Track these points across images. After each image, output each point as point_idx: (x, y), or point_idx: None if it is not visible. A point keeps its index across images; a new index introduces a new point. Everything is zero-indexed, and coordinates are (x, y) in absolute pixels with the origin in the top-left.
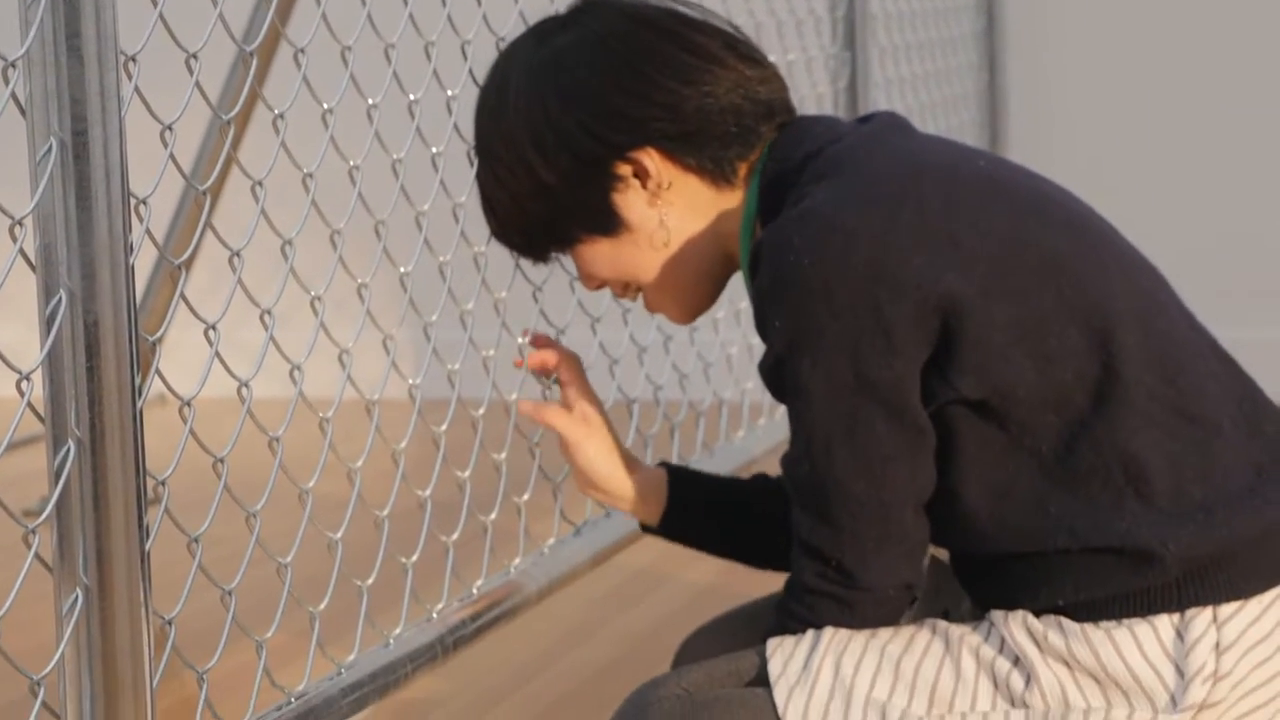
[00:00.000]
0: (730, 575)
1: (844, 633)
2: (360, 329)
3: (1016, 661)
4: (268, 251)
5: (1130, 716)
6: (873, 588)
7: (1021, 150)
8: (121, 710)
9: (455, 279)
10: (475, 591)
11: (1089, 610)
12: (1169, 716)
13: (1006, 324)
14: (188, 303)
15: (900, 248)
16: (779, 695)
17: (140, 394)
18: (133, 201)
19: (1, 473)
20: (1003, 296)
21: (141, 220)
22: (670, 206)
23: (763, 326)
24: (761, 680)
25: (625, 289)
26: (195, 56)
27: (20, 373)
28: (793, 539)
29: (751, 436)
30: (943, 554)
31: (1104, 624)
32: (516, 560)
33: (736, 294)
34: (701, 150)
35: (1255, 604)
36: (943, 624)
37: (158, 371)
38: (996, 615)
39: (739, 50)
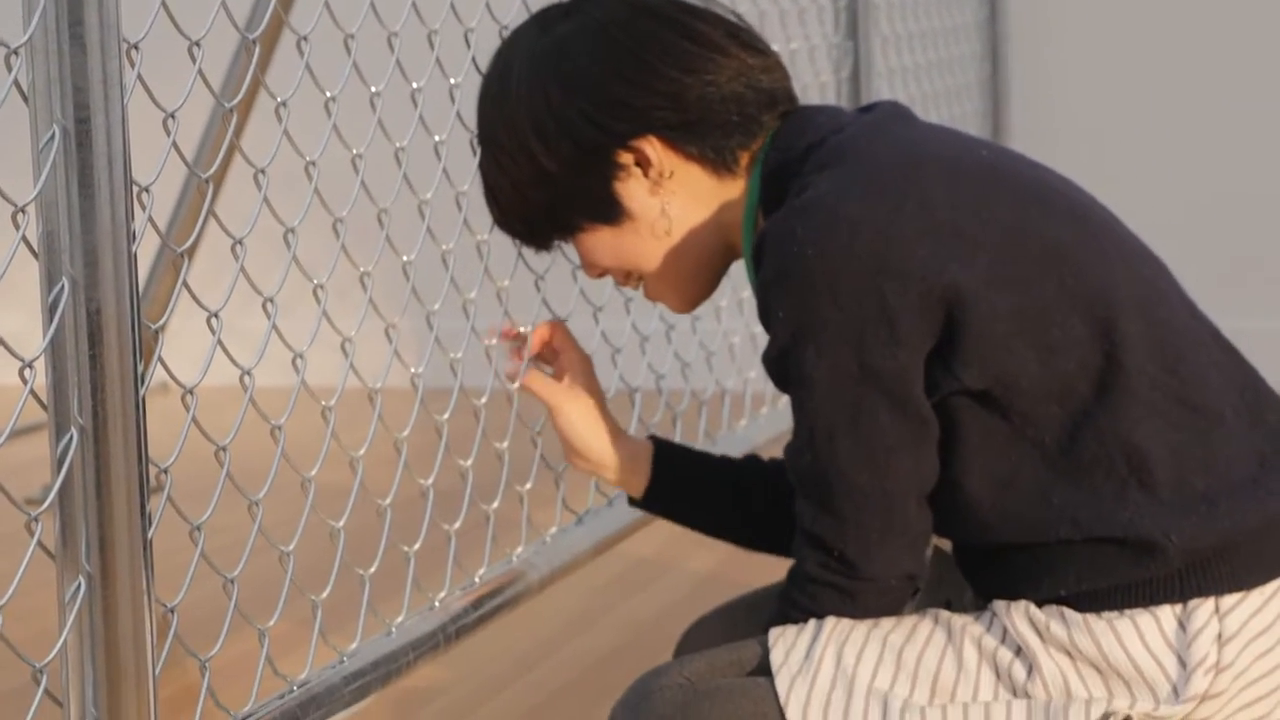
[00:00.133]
0: (733, 564)
1: (846, 622)
2: (363, 317)
3: (1019, 652)
4: (270, 240)
5: (1132, 707)
6: (875, 578)
7: (1023, 140)
8: (124, 698)
9: (458, 268)
10: (477, 580)
11: (1091, 601)
12: (1171, 707)
13: (1009, 314)
14: (190, 291)
15: (904, 238)
16: (781, 685)
17: (143, 382)
18: (135, 189)
19: (3, 460)
20: (1005, 286)
21: (144, 208)
22: (672, 195)
23: (766, 317)
24: (763, 670)
25: (627, 277)
26: (198, 44)
27: (23, 360)
28: (795, 528)
29: (754, 425)
30: (945, 544)
31: (1106, 614)
32: (519, 549)
33: (739, 282)
34: (703, 139)
35: (1258, 595)
36: (945, 614)
37: (160, 359)
38: (999, 605)
39: (741, 39)
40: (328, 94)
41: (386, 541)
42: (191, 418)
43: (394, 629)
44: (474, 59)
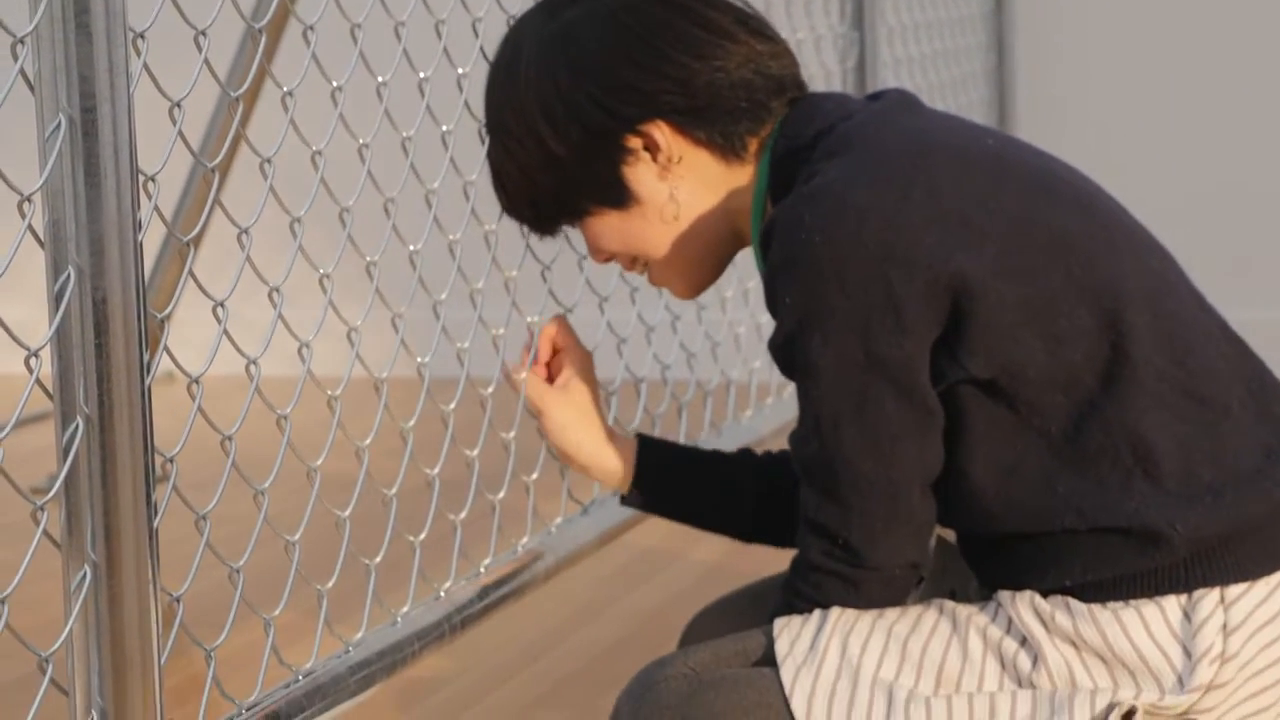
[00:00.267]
0: (737, 555)
1: (851, 612)
2: (369, 307)
3: (1024, 642)
4: (276, 229)
5: (1137, 697)
6: (879, 567)
7: (1030, 129)
8: (129, 687)
9: (465, 257)
10: (483, 570)
11: (1096, 591)
12: (1176, 697)
13: (1016, 304)
14: (196, 280)
15: (911, 227)
16: (786, 675)
17: (149, 371)
18: (141, 178)
19: (10, 449)
20: (1012, 276)
21: (150, 197)
22: (680, 180)
23: (773, 303)
24: (768, 660)
25: (633, 262)
26: (204, 33)
27: (29, 349)
28: (791, 521)
29: (759, 416)
30: (949, 534)
31: (1111, 605)
32: (524, 539)
33: (745, 272)
34: (712, 125)
35: (1263, 585)
36: (950, 604)
37: (166, 349)
38: (1004, 595)
39: (750, 25)
40: (334, 83)
41: (392, 531)
42: (197, 407)
43: (399, 619)
44: (481, 48)
